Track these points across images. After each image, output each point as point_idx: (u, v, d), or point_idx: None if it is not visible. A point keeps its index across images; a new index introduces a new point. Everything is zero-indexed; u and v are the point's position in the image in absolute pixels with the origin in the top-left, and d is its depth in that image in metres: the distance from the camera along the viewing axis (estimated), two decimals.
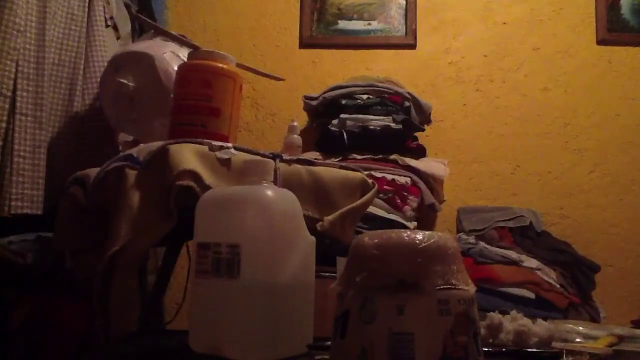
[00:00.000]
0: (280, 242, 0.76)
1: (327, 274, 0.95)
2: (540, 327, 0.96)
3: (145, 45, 1.42)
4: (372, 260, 0.53)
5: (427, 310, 0.50)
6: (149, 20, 1.71)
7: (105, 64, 1.48)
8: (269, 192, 0.77)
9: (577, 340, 1.11)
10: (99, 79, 1.49)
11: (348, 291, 0.55)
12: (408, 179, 1.82)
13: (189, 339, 0.78)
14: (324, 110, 2.01)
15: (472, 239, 1.90)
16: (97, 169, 1.00)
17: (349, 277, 0.56)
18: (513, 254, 1.80)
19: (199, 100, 1.08)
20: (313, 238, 0.83)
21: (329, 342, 0.58)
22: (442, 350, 0.49)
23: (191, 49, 1.31)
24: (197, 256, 0.78)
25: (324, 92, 2.01)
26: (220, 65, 1.11)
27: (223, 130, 1.09)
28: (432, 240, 0.52)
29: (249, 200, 0.76)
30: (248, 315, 0.72)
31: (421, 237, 0.53)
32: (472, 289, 0.54)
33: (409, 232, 0.55)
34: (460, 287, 0.51)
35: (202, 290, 0.77)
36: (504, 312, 1.06)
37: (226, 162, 0.96)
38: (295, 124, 1.44)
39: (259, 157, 0.99)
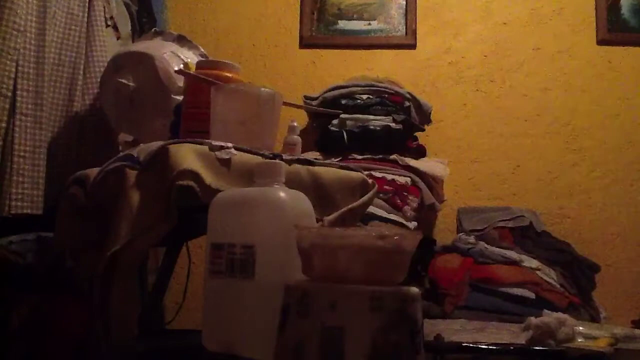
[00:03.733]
0: (294, 242, 0.77)
1: None
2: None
3: (145, 45, 1.42)
4: (311, 255, 0.53)
5: (358, 306, 0.49)
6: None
7: (105, 64, 1.48)
8: (282, 194, 0.78)
9: (577, 340, 1.11)
10: (99, 79, 1.48)
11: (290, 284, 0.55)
12: (408, 179, 1.82)
13: (202, 337, 0.78)
14: None
15: (472, 239, 1.90)
16: (97, 169, 1.00)
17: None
18: (513, 254, 1.80)
19: (209, 110, 1.10)
20: None
21: None
22: (372, 347, 0.48)
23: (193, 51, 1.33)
24: (211, 257, 0.78)
25: (324, 92, 2.01)
26: (229, 75, 1.14)
27: None
28: (377, 239, 0.52)
29: (262, 202, 0.77)
30: (263, 315, 0.72)
31: (372, 236, 0.52)
32: (413, 288, 0.52)
33: (359, 230, 0.54)
34: (396, 284, 0.50)
35: (216, 290, 0.78)
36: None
37: (226, 162, 0.96)
38: (295, 124, 1.44)
39: (269, 160, 1.00)
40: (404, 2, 2.30)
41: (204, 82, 1.09)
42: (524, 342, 1.09)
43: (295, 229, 0.58)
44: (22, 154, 1.27)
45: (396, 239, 0.51)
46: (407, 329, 0.49)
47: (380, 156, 1.87)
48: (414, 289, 0.52)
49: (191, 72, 1.14)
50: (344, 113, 1.92)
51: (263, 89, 1.10)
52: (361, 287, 0.50)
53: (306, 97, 2.06)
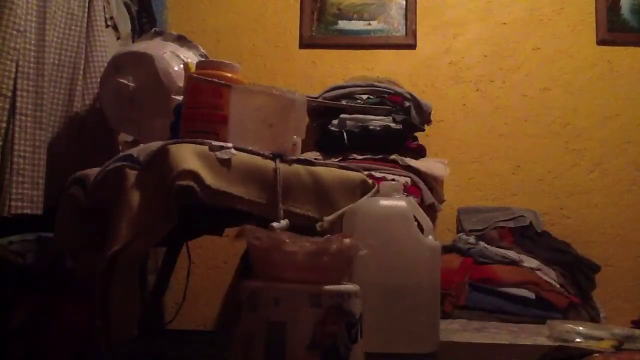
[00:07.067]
0: (393, 247, 0.87)
1: None
2: None
3: (145, 46, 1.42)
4: (263, 257, 0.60)
5: (299, 302, 0.55)
6: None
7: (105, 64, 1.48)
8: (382, 201, 0.86)
9: (577, 340, 1.11)
10: (99, 79, 1.48)
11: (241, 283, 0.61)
12: (408, 179, 1.82)
13: None
14: (324, 110, 2.00)
15: (472, 239, 1.90)
16: (97, 169, 1.00)
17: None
18: (513, 254, 1.80)
19: (210, 110, 1.10)
20: (437, 243, 0.94)
21: None
22: (311, 338, 0.54)
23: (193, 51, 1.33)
24: None
25: (324, 93, 2.01)
26: (229, 75, 1.14)
27: None
28: (319, 246, 0.58)
29: (358, 210, 0.83)
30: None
31: (314, 245, 0.59)
32: (353, 286, 0.59)
33: (299, 238, 0.61)
34: (334, 284, 0.57)
35: None
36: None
37: (226, 162, 0.96)
38: None
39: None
40: (404, 2, 2.30)
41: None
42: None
43: (245, 231, 0.62)
44: (22, 154, 1.27)
45: (334, 247, 0.58)
46: (344, 322, 0.56)
47: (380, 156, 1.87)
48: (352, 287, 0.59)
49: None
50: (344, 113, 1.92)
51: (296, 93, 1.12)
52: (302, 285, 0.56)
53: (306, 97, 2.05)
